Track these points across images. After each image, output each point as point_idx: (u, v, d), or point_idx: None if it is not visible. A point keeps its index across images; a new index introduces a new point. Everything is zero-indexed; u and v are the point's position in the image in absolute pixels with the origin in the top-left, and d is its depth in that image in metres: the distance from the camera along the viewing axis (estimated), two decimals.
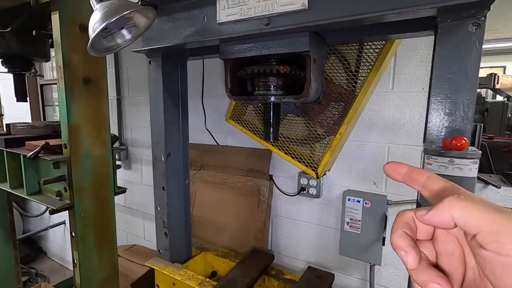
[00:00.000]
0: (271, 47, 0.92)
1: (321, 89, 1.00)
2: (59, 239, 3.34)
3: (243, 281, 1.20)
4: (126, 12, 0.84)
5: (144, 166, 2.35)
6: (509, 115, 2.36)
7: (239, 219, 1.76)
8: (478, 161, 0.61)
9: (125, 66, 2.32)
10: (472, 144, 1.20)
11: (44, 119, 3.41)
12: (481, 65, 0.73)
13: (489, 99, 3.32)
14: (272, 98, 1.00)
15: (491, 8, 0.64)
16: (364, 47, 1.12)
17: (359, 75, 1.13)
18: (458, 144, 0.58)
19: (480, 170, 1.34)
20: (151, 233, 2.44)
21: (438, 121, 0.69)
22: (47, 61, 1.87)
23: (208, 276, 1.54)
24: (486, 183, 1.20)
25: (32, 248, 3.49)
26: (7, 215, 2.34)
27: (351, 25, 0.84)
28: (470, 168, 0.60)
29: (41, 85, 3.34)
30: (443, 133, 0.67)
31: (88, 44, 0.87)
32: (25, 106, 3.28)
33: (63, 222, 3.20)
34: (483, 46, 0.66)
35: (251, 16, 0.90)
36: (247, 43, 0.97)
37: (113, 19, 0.82)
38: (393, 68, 1.31)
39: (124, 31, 0.98)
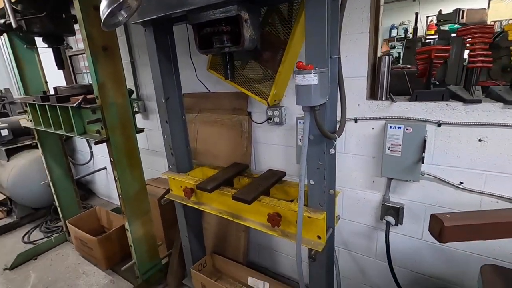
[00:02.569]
0: (217, 13, 1.36)
1: (256, 39, 1.45)
2: (103, 181, 4.20)
3: (223, 177, 1.80)
4: (122, 0, 1.32)
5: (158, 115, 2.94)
6: None
7: (229, 147, 2.34)
8: (317, 75, 1.07)
9: (133, 34, 2.80)
10: (378, 71, 1.62)
11: (76, 83, 4.07)
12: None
13: None
14: (225, 49, 1.47)
15: None
16: (293, 4, 1.52)
17: (291, 26, 1.55)
18: (298, 65, 1.05)
19: (401, 93, 1.76)
20: None
21: (308, 52, 1.14)
22: (73, 35, 2.41)
23: None
24: (392, 100, 1.63)
25: (84, 190, 4.42)
26: (63, 159, 3.11)
27: None
28: (312, 79, 1.07)
29: (70, 56, 3.94)
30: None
31: (101, 24, 1.37)
32: (59, 74, 3.94)
33: (105, 168, 4.02)
34: None
35: None
36: (204, 11, 1.42)
37: (115, 5, 1.30)
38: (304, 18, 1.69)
39: (123, 11, 1.46)
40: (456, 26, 3.31)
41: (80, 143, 4.31)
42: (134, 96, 2.94)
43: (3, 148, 3.52)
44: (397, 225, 1.75)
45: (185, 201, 1.92)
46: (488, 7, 6.33)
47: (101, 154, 4.00)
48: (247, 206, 1.57)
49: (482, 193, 1.49)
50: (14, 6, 1.93)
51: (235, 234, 2.38)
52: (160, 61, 1.79)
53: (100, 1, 1.37)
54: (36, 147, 3.79)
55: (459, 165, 1.53)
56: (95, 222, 3.19)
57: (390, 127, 1.57)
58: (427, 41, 4.81)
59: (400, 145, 1.56)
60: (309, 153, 1.29)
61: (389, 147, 1.60)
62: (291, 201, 1.62)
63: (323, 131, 1.21)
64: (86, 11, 1.81)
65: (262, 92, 1.78)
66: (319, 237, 1.39)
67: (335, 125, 1.36)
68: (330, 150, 1.33)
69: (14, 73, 5.03)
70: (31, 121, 2.73)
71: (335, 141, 1.28)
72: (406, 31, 3.98)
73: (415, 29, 4.11)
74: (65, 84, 3.99)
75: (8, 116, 4.05)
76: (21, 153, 3.64)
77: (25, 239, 3.39)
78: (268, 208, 1.52)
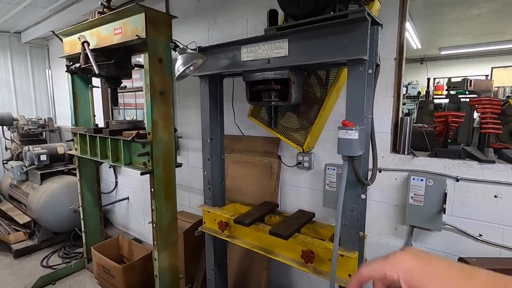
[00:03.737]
0: (270, 75, 1.67)
1: (300, 97, 1.73)
2: (123, 211, 4.33)
3: (257, 214, 1.96)
4: (195, 61, 1.64)
5: (190, 152, 3.20)
6: None
7: (257, 186, 2.52)
8: (358, 131, 1.31)
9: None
10: (401, 129, 1.87)
11: (112, 118, 4.44)
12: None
13: None
14: (272, 103, 1.75)
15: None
16: (330, 71, 1.84)
17: (328, 88, 1.85)
18: (343, 123, 1.30)
19: (419, 149, 2.00)
20: (195, 202, 3.29)
21: (348, 112, 1.40)
22: (129, 79, 2.78)
23: None
24: (414, 155, 1.85)
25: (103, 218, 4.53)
26: (95, 186, 3.31)
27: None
28: (354, 134, 1.31)
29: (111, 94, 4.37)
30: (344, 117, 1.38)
31: (175, 78, 1.68)
32: (98, 108, 4.33)
33: (127, 198, 4.18)
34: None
35: (259, 58, 1.67)
36: (258, 72, 1.73)
37: (189, 65, 1.63)
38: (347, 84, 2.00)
39: (191, 67, 1.78)
40: (462, 91, 3.70)
41: (106, 172, 4.53)
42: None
43: (39, 172, 3.76)
44: None
45: (218, 234, 2.06)
46: (491, 74, 6.86)
47: (126, 185, 4.20)
48: (280, 242, 1.71)
49: (501, 246, 1.62)
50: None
51: (257, 272, 2.45)
52: (210, 107, 2.09)
53: (162, 57, 1.72)
54: (67, 173, 4.04)
55: (477, 218, 1.68)
56: (116, 251, 3.26)
57: (413, 178, 1.76)
58: (435, 100, 5.20)
59: (422, 195, 1.74)
60: (345, 196, 1.47)
61: (412, 197, 1.78)
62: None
63: (360, 178, 1.41)
64: (152, 63, 2.16)
65: (297, 140, 2.02)
66: (350, 276, 1.51)
67: (367, 173, 1.55)
68: (362, 195, 1.52)
69: (54, 104, 5.50)
70: (76, 149, 3.00)
71: (369, 187, 1.47)
72: (419, 93, 4.43)
73: (427, 92, 4.51)
74: (103, 117, 4.36)
75: (46, 143, 4.37)
76: (53, 178, 3.87)
77: (44, 263, 3.44)
78: (301, 245, 1.65)
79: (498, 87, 5.95)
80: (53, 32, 4.43)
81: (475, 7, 3.86)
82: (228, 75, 2.12)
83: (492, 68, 6.74)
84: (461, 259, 1.14)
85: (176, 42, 1.76)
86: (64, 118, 5.37)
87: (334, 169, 2.07)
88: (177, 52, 1.74)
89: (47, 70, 5.38)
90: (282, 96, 1.74)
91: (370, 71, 1.43)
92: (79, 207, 3.36)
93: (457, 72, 6.66)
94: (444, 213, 1.67)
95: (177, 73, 1.67)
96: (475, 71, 6.71)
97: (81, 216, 3.24)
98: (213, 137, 2.14)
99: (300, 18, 1.51)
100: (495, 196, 1.62)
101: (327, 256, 1.57)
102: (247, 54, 1.72)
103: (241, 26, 2.61)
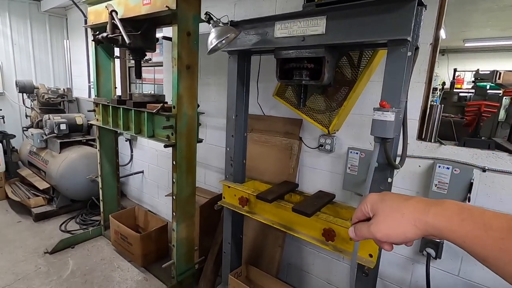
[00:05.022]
0: (304, 53, 1.65)
1: (332, 77, 1.72)
2: (137, 184, 4.44)
3: (277, 192, 2.00)
4: (228, 35, 1.62)
5: (208, 130, 3.23)
6: None
7: (276, 166, 2.55)
8: (394, 113, 1.30)
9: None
10: (430, 116, 1.85)
11: (130, 91, 4.46)
12: None
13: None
14: (303, 82, 1.74)
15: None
16: (363, 53, 1.80)
17: (359, 70, 1.82)
18: (380, 104, 1.29)
19: (446, 138, 1.98)
20: (210, 179, 3.34)
21: (384, 94, 1.39)
22: (153, 52, 2.77)
23: None
24: (441, 143, 1.84)
25: None
26: (114, 158, 3.38)
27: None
28: (390, 116, 1.30)
29: (129, 67, 4.37)
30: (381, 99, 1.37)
31: (208, 51, 1.67)
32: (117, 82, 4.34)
33: (142, 171, 4.27)
34: None
35: (294, 35, 1.64)
36: (291, 50, 1.71)
37: (222, 38, 1.61)
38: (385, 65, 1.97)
39: (223, 41, 1.77)
40: (484, 85, 3.59)
41: (122, 146, 4.60)
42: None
43: (58, 141, 3.85)
44: (436, 259, 1.88)
45: (238, 209, 2.11)
46: None
47: (141, 159, 4.27)
48: (302, 220, 1.75)
49: None
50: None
51: (271, 249, 2.52)
52: (237, 84, 2.08)
53: (191, 30, 1.70)
54: (85, 143, 4.12)
55: (501, 209, 1.68)
56: (132, 220, 3.38)
57: (439, 166, 1.76)
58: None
59: (447, 183, 1.74)
60: (373, 178, 1.49)
61: (436, 184, 1.78)
62: None
63: (390, 160, 1.42)
64: (181, 36, 2.14)
65: (322, 121, 2.02)
66: (370, 255, 1.55)
67: (395, 157, 1.56)
68: (389, 178, 1.53)
69: (71, 75, 5.53)
70: (97, 119, 3.04)
71: (398, 170, 1.48)
72: (444, 83, 4.34)
73: (452, 83, 4.42)
74: (121, 92, 4.39)
75: (65, 112, 4.44)
76: (72, 147, 3.96)
77: (62, 227, 3.59)
78: (322, 223, 1.69)
79: None
80: (73, 1, 4.40)
81: None
82: (256, 52, 2.09)
83: None
84: None
85: (210, 14, 1.73)
86: (80, 90, 5.41)
87: (357, 153, 2.07)
88: (210, 24, 1.72)
89: (65, 41, 5.38)
90: (314, 76, 1.72)
91: (409, 53, 1.40)
92: (97, 177, 3.46)
93: (480, 66, 6.42)
94: (469, 201, 1.68)
95: (209, 47, 1.66)
96: (499, 66, 6.48)
97: (100, 186, 3.34)
98: (238, 114, 2.15)
99: None
100: None
101: (348, 235, 1.60)
102: (281, 30, 1.70)
103: (270, 3, 2.56)
